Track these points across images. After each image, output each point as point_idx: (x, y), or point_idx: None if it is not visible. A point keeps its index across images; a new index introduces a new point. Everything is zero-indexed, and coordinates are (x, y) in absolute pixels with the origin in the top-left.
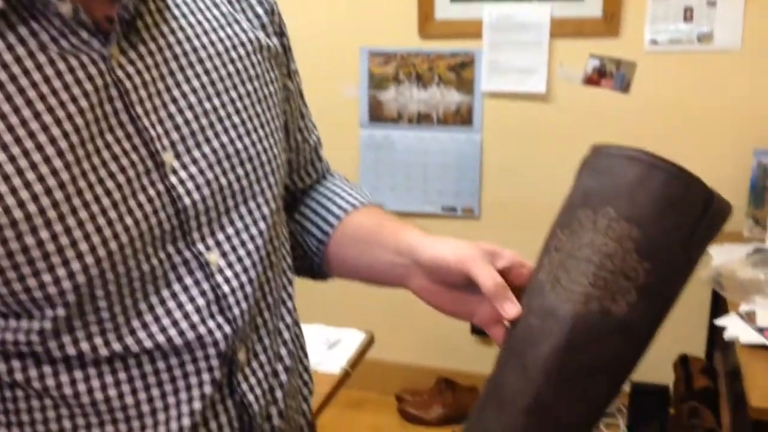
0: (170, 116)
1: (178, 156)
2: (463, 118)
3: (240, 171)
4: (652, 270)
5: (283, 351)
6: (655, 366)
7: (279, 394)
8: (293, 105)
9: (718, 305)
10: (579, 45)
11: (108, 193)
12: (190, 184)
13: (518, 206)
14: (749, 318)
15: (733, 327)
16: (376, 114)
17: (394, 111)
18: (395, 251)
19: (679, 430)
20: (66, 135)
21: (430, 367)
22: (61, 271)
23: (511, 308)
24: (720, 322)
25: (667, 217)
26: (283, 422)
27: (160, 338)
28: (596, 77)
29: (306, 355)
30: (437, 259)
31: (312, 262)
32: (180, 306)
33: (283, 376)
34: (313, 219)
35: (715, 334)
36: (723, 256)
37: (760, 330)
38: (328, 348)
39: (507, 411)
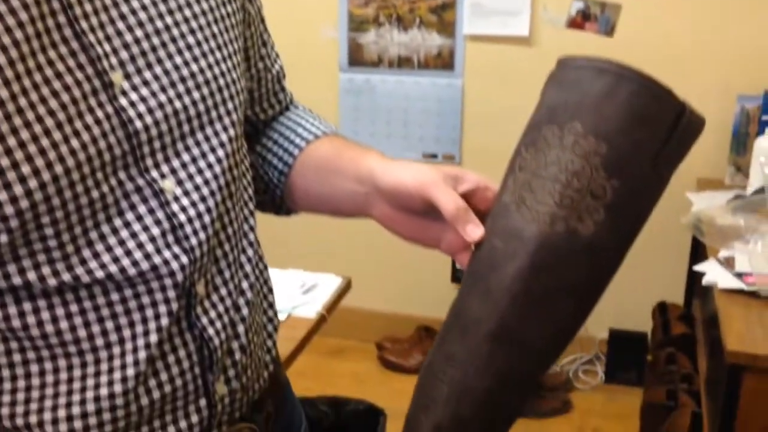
0: (119, 33)
1: (128, 76)
2: (444, 61)
3: (196, 95)
4: (620, 187)
5: (245, 284)
6: (634, 313)
7: (241, 328)
8: (254, 30)
9: (698, 252)
10: None
11: (51, 113)
12: (141, 107)
13: (500, 153)
14: (728, 263)
15: (711, 272)
16: (356, 57)
17: (374, 54)
18: (356, 179)
19: (656, 376)
20: (4, 49)
21: (410, 315)
22: (2, 195)
23: (474, 230)
24: (699, 267)
25: (635, 131)
26: (245, 357)
27: (113, 268)
28: (580, 20)
29: (271, 291)
30: (397, 185)
31: (274, 196)
32: (134, 235)
33: (245, 311)
34: (274, 150)
35: (694, 281)
36: (703, 203)
37: (739, 275)
38: (304, 293)
39: (471, 337)
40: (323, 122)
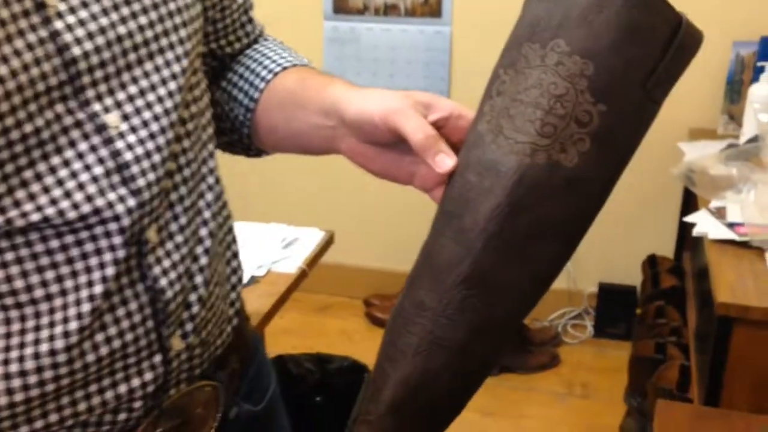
0: None
1: None
2: (432, 9)
3: (143, 20)
4: (608, 113)
5: (203, 231)
6: (623, 267)
7: (199, 279)
8: None
9: (689, 204)
10: None
11: None
12: (79, 31)
13: None
14: (719, 213)
15: (702, 223)
16: (340, 4)
17: (359, 1)
18: (321, 111)
19: (645, 329)
20: None
21: (398, 271)
22: None
23: (444, 161)
24: (690, 218)
25: (627, 48)
26: (204, 311)
27: (50, 211)
28: None
29: (235, 241)
30: (362, 115)
31: (242, 135)
32: (74, 175)
33: (203, 260)
34: (239, 85)
35: (684, 233)
36: (696, 153)
37: (730, 225)
38: (284, 247)
39: (442, 283)
40: (294, 54)
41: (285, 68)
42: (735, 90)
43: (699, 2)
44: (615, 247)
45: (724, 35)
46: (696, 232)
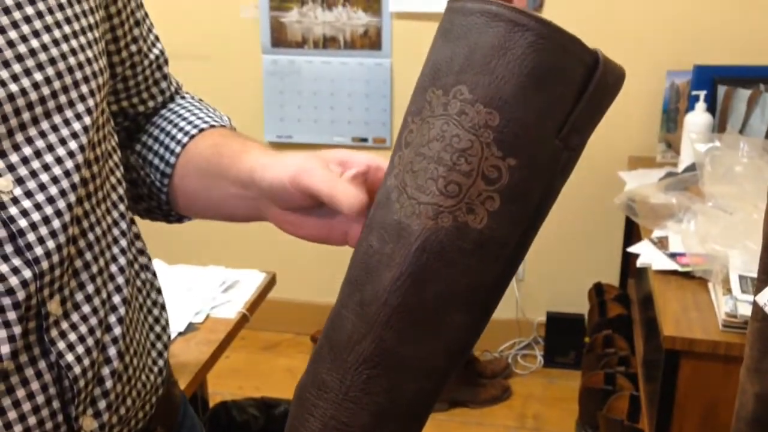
0: None
1: None
2: (371, 41)
3: (38, 76)
4: (518, 167)
5: (117, 299)
6: (571, 296)
7: (112, 351)
8: (121, 6)
9: (632, 232)
10: None
11: None
12: None
13: None
14: (661, 244)
15: (646, 253)
16: (279, 38)
17: (298, 34)
18: (239, 183)
19: (593, 359)
20: None
21: None
22: None
23: (352, 201)
24: (633, 249)
25: (535, 96)
26: (121, 385)
27: None
28: None
29: (158, 305)
30: (274, 183)
31: (160, 201)
32: None
33: (117, 330)
34: (155, 148)
35: (628, 261)
36: (636, 182)
37: (672, 255)
38: (224, 291)
39: (344, 360)
40: (213, 113)
41: (202, 130)
42: (671, 119)
43: (632, 32)
44: (561, 275)
45: (658, 64)
46: (640, 263)
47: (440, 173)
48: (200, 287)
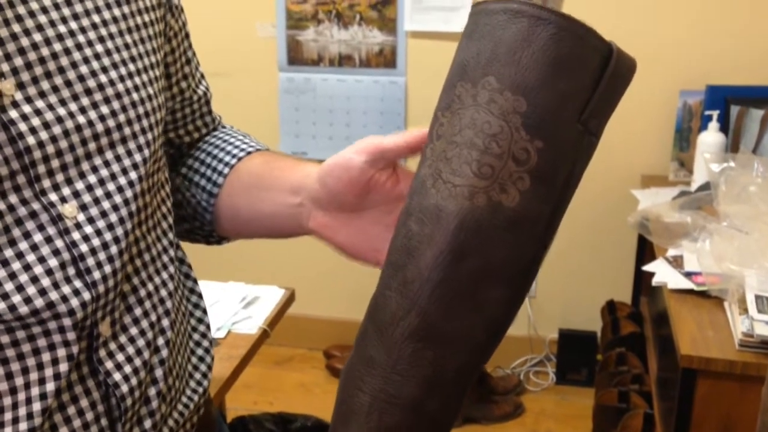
0: (13, 37)
1: (21, 86)
2: (386, 59)
3: (104, 109)
4: (545, 149)
5: (165, 322)
6: (583, 313)
7: (159, 372)
8: (176, 45)
9: (644, 249)
10: None
11: None
12: (35, 121)
13: None
14: (676, 263)
15: (661, 272)
16: (295, 56)
17: (314, 52)
18: (288, 189)
19: (607, 377)
20: None
21: (358, 322)
22: None
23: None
24: (648, 267)
25: (558, 82)
26: (165, 405)
27: (0, 306)
28: None
29: (197, 330)
30: (335, 159)
31: (203, 221)
32: (27, 268)
33: (164, 352)
34: (201, 171)
35: (641, 279)
36: (649, 200)
37: (687, 274)
38: (245, 306)
39: (390, 337)
40: (254, 140)
41: (249, 153)
42: (684, 138)
43: (646, 52)
44: (574, 293)
45: (671, 84)
46: (656, 281)
47: (474, 157)
48: (222, 303)
